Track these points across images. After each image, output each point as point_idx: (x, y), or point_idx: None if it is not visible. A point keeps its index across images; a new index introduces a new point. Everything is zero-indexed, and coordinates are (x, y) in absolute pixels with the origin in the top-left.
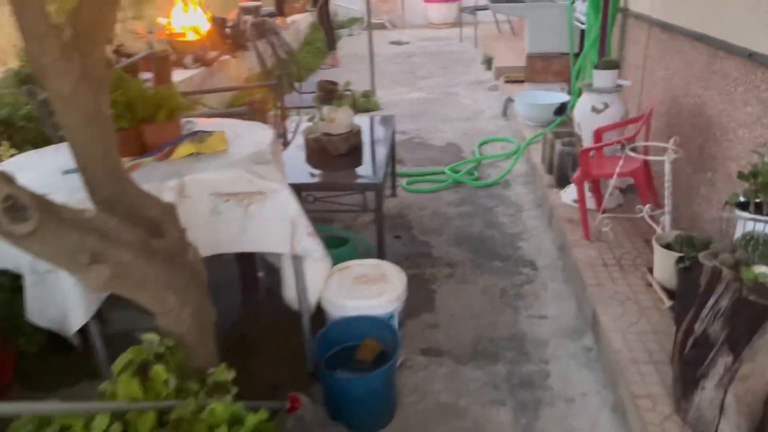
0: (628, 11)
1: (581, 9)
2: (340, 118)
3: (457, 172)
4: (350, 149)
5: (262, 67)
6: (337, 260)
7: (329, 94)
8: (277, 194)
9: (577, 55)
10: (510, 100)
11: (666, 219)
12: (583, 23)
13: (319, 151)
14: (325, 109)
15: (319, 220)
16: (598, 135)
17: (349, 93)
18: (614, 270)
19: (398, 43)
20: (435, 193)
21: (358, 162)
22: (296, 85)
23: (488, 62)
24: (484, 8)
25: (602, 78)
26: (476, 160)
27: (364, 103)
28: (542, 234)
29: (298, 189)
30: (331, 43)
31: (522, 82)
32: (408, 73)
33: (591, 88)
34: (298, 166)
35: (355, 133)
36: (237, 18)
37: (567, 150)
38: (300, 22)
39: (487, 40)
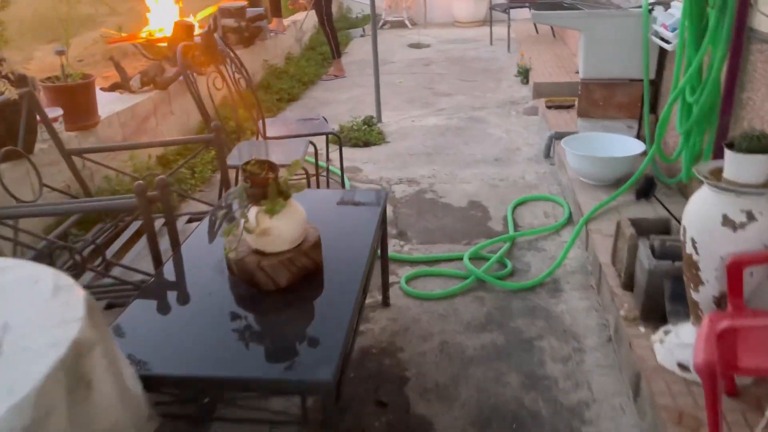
0: (755, 32)
1: (664, 20)
2: (279, 229)
3: (480, 257)
4: (298, 279)
5: (202, 112)
6: None
7: (261, 185)
8: None
9: (653, 83)
10: (555, 137)
11: None
12: (666, 41)
13: (244, 282)
14: (253, 213)
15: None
16: (735, 270)
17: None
18: None
19: (417, 45)
20: (448, 300)
21: (310, 305)
22: (259, 125)
23: (524, 74)
24: (520, 6)
25: (744, 167)
26: (509, 238)
27: (365, 134)
28: (622, 413)
29: (177, 384)
30: (335, 50)
31: (569, 107)
32: (425, 88)
33: (721, 183)
34: (192, 323)
35: (306, 250)
36: (213, 23)
37: (663, 268)
38: (303, 22)
39: (522, 43)
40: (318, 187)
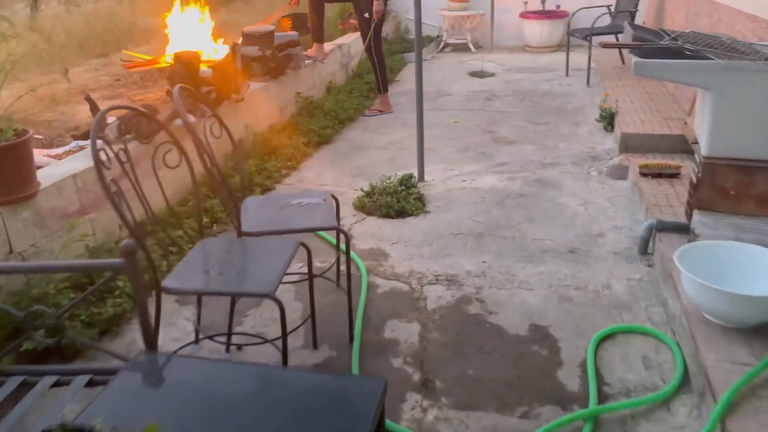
0: None
1: None
2: None
3: None
4: None
5: (120, 215)
6: None
7: None
8: None
9: None
10: (657, 228)
11: None
12: None
13: None
14: None
15: None
16: None
17: None
18: None
19: (480, 74)
20: None
21: None
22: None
23: (608, 119)
24: (607, 33)
25: None
26: (590, 415)
27: (400, 200)
28: None
29: None
30: (381, 84)
31: (673, 176)
32: (484, 132)
33: None
34: None
35: None
36: (231, 52)
37: None
38: (352, 45)
39: (605, 77)
40: (310, 293)
